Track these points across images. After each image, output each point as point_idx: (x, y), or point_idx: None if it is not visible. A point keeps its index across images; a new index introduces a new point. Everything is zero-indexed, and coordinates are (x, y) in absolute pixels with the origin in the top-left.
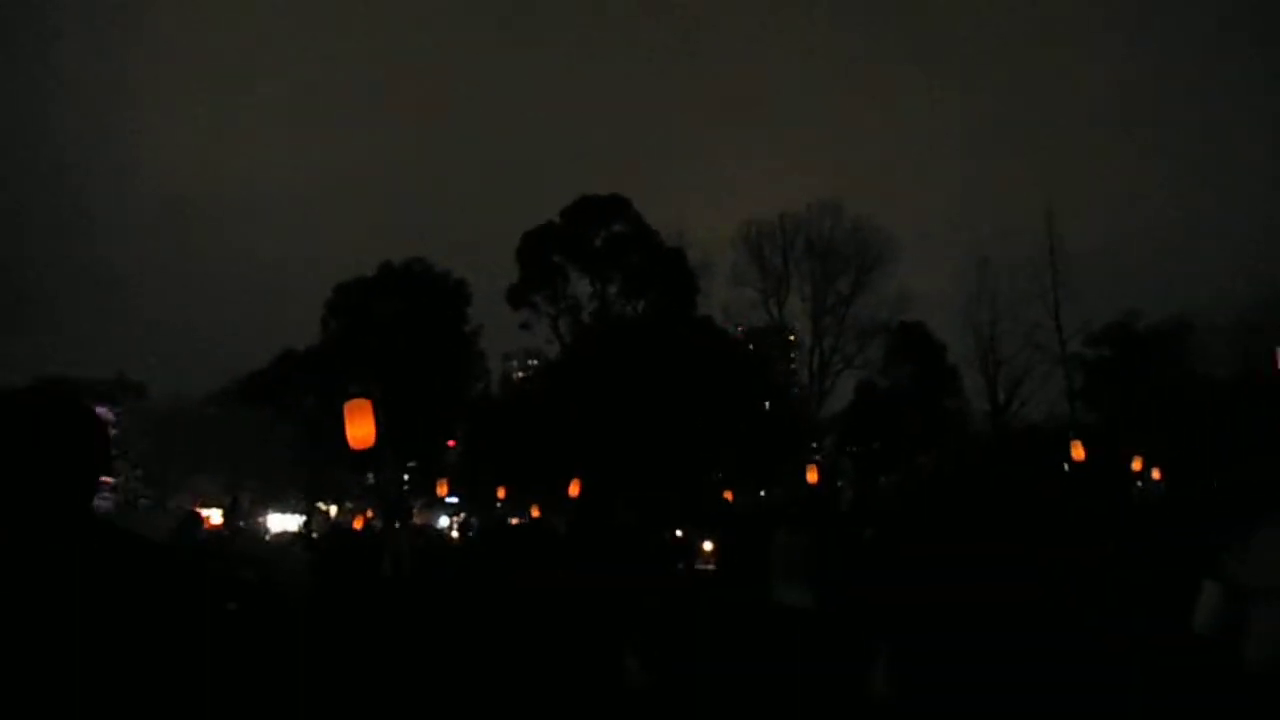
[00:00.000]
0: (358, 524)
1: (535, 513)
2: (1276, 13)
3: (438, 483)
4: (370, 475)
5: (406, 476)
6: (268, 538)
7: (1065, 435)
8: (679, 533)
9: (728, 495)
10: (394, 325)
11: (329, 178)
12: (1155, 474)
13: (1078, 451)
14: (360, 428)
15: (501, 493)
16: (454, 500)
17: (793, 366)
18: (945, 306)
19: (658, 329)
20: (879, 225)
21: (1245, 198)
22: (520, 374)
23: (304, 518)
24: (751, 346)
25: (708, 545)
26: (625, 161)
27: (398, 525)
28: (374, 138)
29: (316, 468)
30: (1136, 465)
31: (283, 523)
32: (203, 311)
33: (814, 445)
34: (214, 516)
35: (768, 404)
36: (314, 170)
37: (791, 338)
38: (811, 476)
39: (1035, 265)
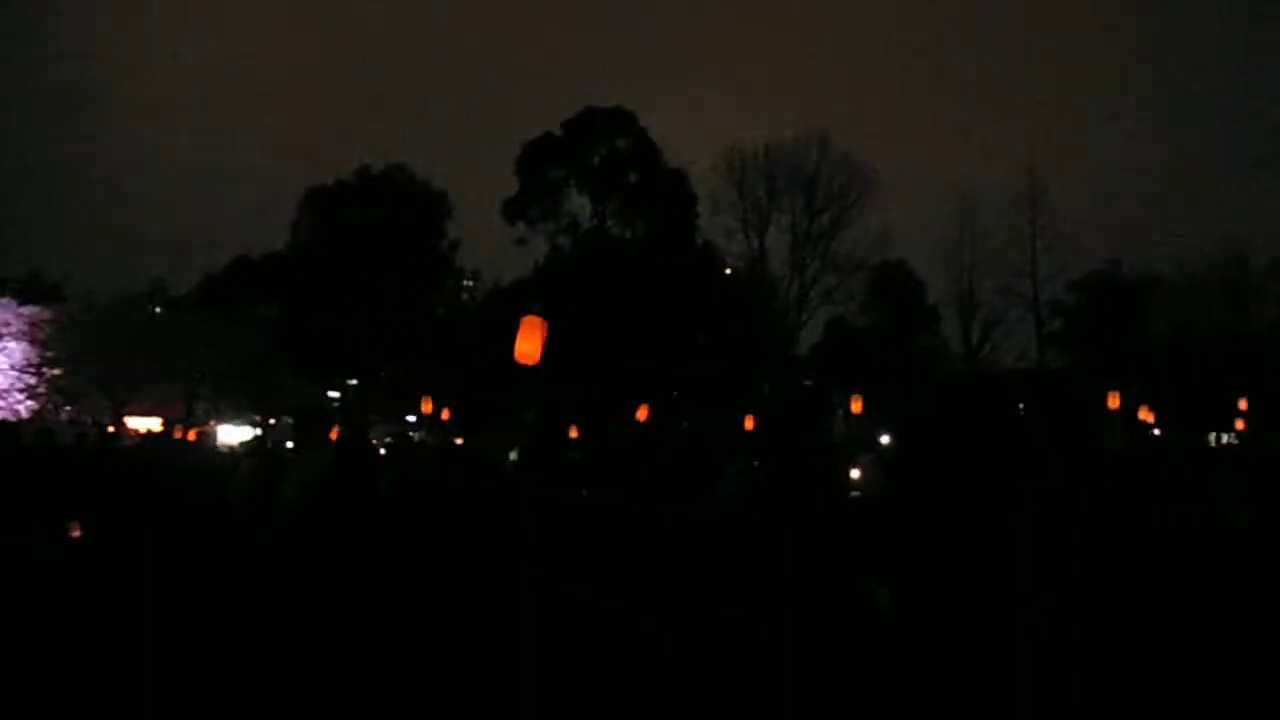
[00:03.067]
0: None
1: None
2: None
3: (423, 399)
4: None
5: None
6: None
7: (1032, 378)
8: None
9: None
10: (368, 233)
11: (298, 77)
12: (1145, 415)
13: (1113, 401)
14: (529, 343)
15: (443, 412)
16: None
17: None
18: (927, 246)
19: (654, 254)
20: (865, 159)
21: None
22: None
23: (257, 431)
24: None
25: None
26: (607, 79)
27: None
28: (352, 41)
29: (269, 378)
30: (1113, 403)
31: (236, 435)
32: (139, 214)
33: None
34: (153, 426)
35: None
36: (281, 68)
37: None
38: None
39: (1017, 211)
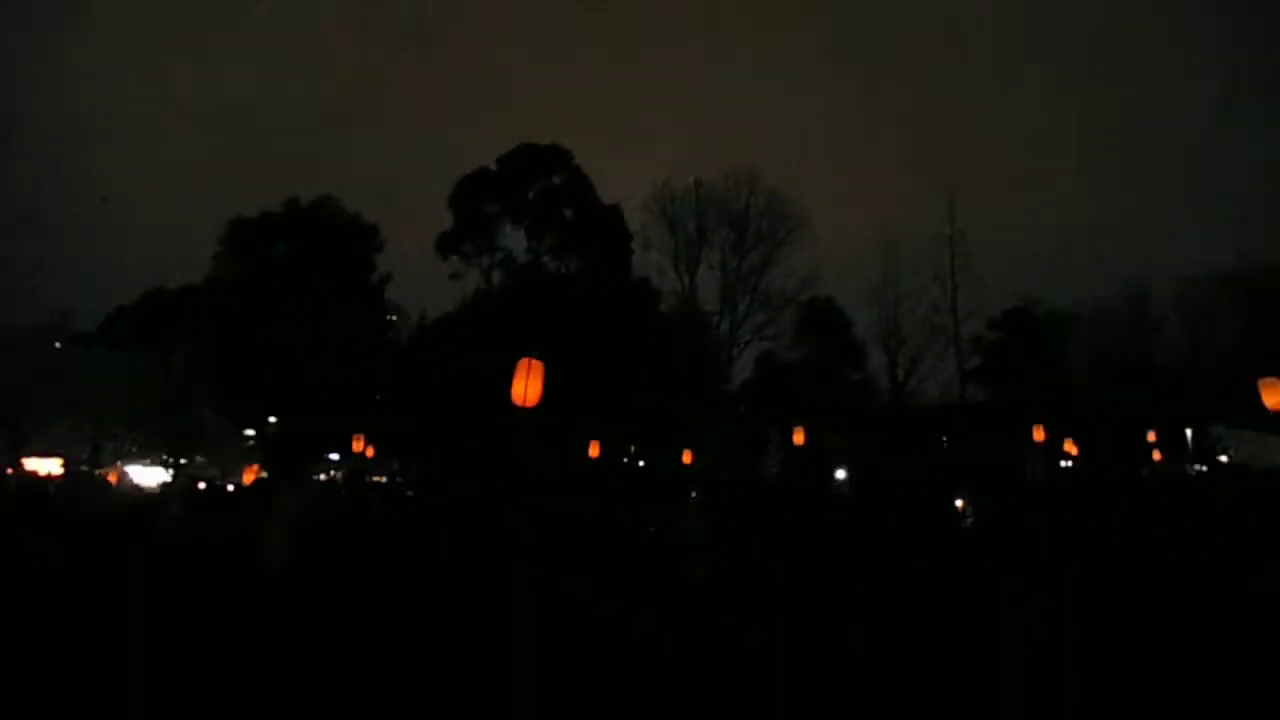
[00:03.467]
0: (248, 478)
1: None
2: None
3: (353, 437)
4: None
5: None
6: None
7: (955, 413)
8: None
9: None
10: (294, 267)
11: (226, 105)
12: (1069, 447)
13: (1039, 434)
14: (527, 385)
15: (368, 450)
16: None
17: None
18: (853, 283)
19: (591, 289)
20: (792, 198)
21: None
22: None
23: (169, 472)
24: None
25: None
26: (538, 114)
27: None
28: (286, 71)
29: (183, 417)
30: (1039, 435)
31: (147, 477)
32: (42, 242)
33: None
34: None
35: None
36: (209, 95)
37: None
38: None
39: (937, 248)
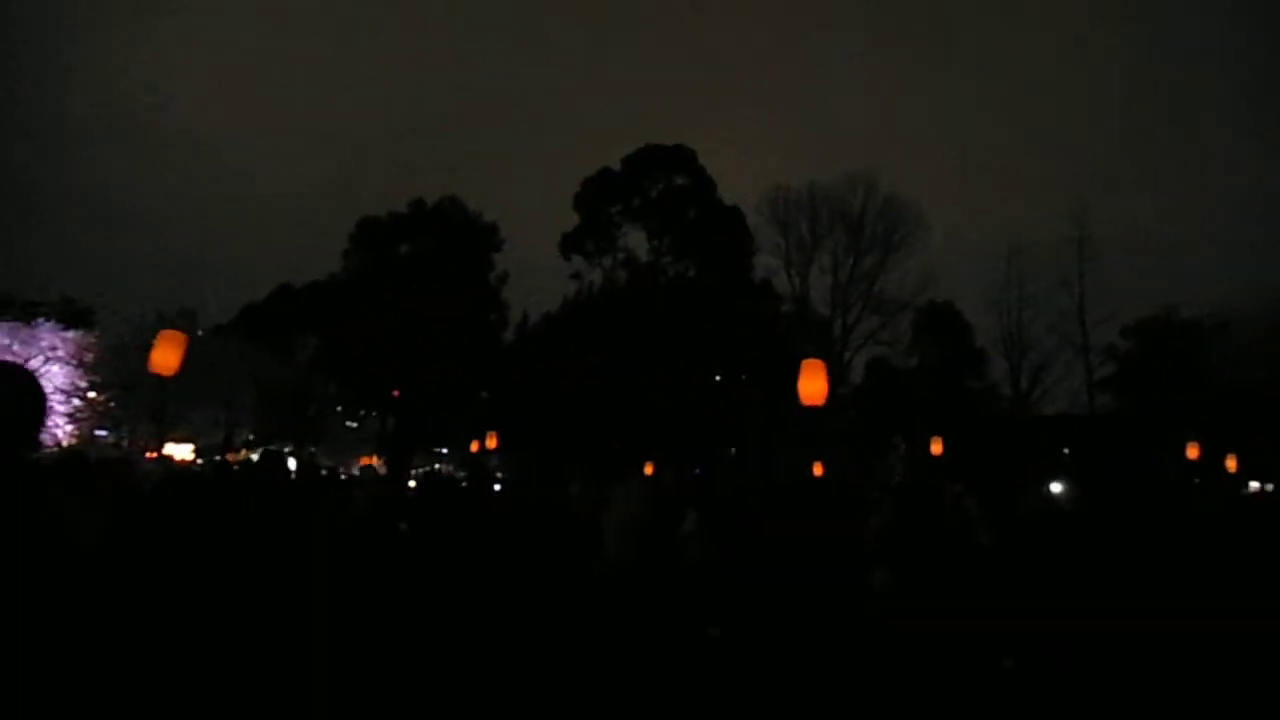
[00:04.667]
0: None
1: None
2: None
3: (486, 434)
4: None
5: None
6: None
7: (1080, 425)
8: None
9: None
10: (419, 265)
11: (355, 110)
12: (1231, 465)
13: (1192, 451)
14: (813, 384)
15: (479, 442)
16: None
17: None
18: (975, 288)
19: (713, 288)
20: (910, 200)
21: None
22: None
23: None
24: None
25: None
26: (653, 116)
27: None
28: (411, 75)
29: (302, 407)
30: (1192, 452)
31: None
32: (180, 243)
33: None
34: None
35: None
36: (336, 101)
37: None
38: None
39: (1066, 251)
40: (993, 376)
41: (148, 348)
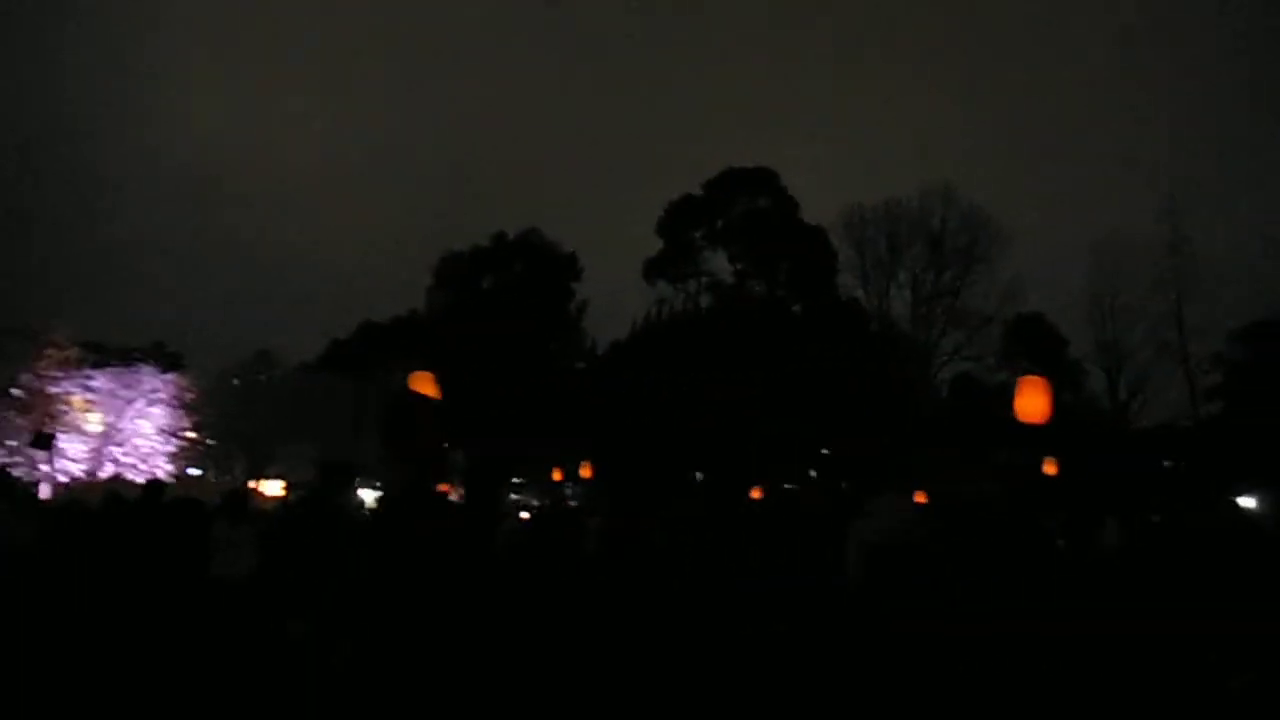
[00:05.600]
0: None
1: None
2: None
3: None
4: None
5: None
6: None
7: (1180, 439)
8: None
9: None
10: (499, 298)
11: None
12: None
13: None
14: (1034, 401)
15: (557, 473)
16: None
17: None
18: (1062, 298)
19: (803, 313)
20: (992, 214)
21: None
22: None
23: (379, 493)
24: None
25: None
26: (721, 133)
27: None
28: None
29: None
30: None
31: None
32: (265, 286)
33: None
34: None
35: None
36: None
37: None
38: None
39: (1159, 256)
40: (1090, 389)
41: (244, 389)
